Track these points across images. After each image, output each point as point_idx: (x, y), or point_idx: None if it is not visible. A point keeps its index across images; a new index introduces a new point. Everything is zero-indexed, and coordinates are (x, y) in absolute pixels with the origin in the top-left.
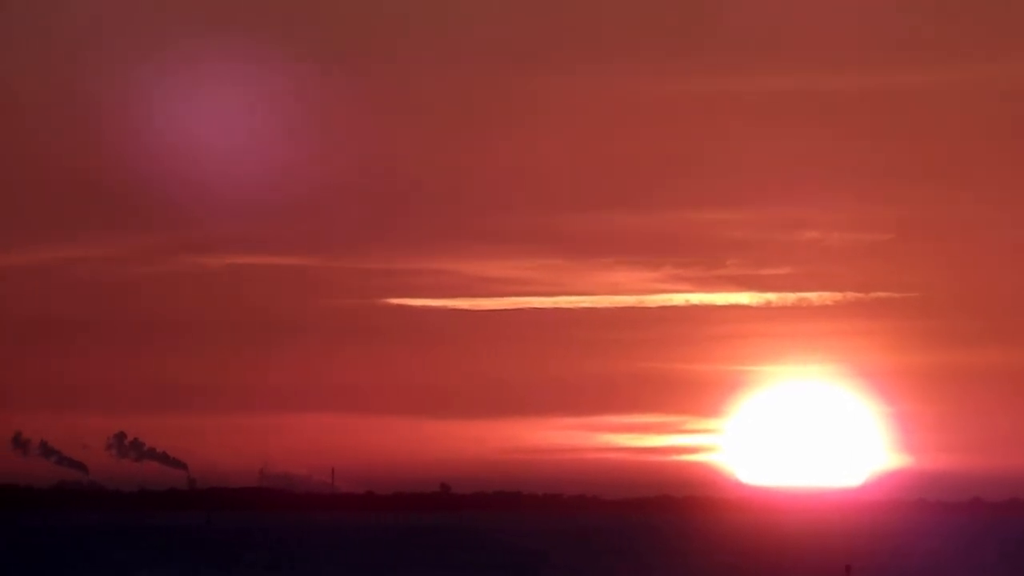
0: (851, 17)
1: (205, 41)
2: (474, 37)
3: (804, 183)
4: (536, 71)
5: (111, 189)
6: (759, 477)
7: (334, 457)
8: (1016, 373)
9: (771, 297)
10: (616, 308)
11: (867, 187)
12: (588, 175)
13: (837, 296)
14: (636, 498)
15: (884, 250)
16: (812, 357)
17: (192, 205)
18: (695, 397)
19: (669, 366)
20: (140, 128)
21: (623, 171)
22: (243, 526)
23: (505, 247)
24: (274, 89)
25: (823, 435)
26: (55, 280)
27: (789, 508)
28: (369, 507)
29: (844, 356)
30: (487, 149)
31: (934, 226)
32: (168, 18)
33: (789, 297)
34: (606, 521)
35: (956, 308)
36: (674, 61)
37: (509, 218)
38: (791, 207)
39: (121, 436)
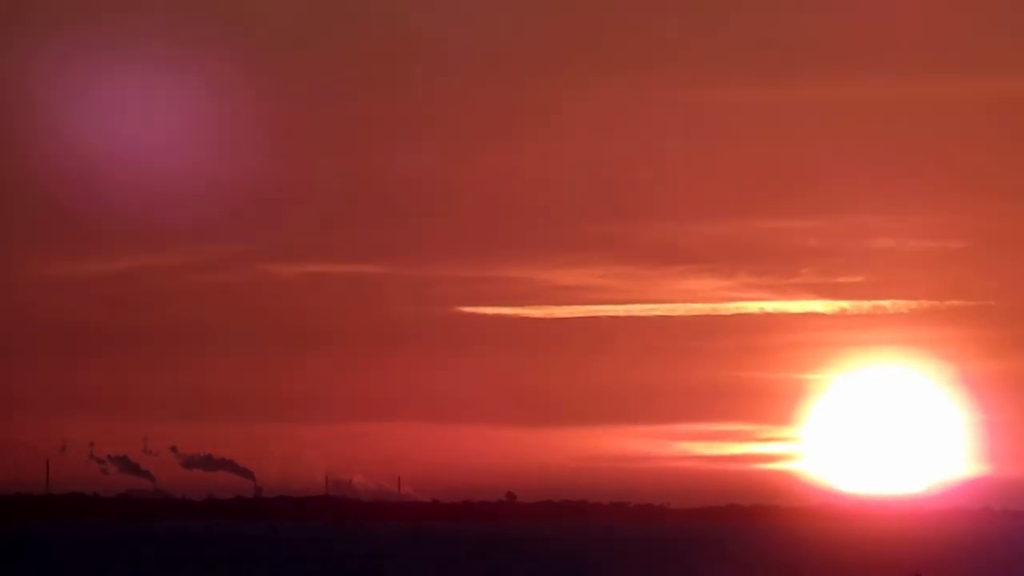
0: (926, 25)
1: (274, 56)
2: (550, 47)
3: (878, 191)
4: (610, 80)
5: (188, 199)
6: (834, 485)
7: (401, 465)
8: None
9: (846, 305)
10: (690, 316)
11: (941, 195)
12: (662, 184)
13: (912, 304)
14: (704, 507)
15: (959, 258)
16: (887, 365)
17: (267, 215)
18: (769, 405)
19: (743, 374)
20: (217, 138)
21: (697, 180)
22: (309, 535)
23: (578, 255)
24: (346, 103)
25: (898, 443)
26: (133, 288)
27: (862, 515)
28: (435, 515)
29: (919, 364)
30: (561, 158)
31: (1009, 233)
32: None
33: (864, 305)
34: (672, 530)
35: None
36: (747, 71)
37: (582, 226)
38: (865, 215)
39: (188, 444)
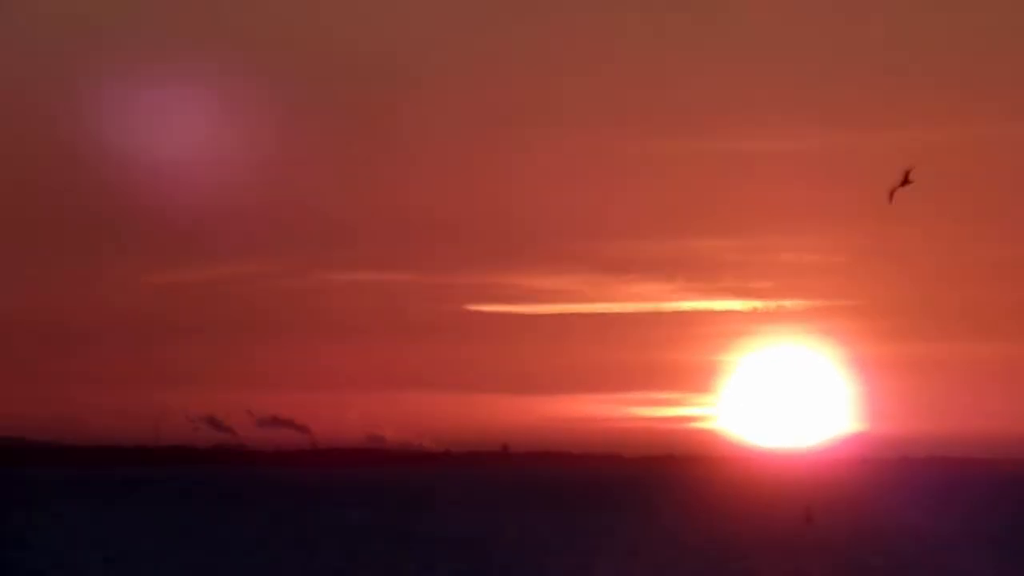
0: (813, 89)
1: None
2: (554, 105)
3: (781, 218)
4: (581, 133)
5: (265, 223)
6: (745, 440)
7: (422, 425)
8: (939, 359)
9: (758, 304)
10: (639, 313)
11: (829, 221)
12: (620, 213)
13: (808, 303)
14: (649, 456)
15: (843, 268)
16: (789, 348)
17: (323, 235)
18: (698, 379)
19: (679, 356)
20: (290, 177)
21: (646, 210)
22: (352, 479)
23: (557, 266)
24: (394, 151)
25: (795, 408)
26: (221, 291)
27: (768, 464)
28: (447, 463)
29: (813, 347)
30: (545, 193)
31: (880, 249)
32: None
33: (771, 304)
34: (626, 473)
35: (895, 311)
36: (683, 126)
37: (561, 245)
38: (773, 236)
39: (261, 408)
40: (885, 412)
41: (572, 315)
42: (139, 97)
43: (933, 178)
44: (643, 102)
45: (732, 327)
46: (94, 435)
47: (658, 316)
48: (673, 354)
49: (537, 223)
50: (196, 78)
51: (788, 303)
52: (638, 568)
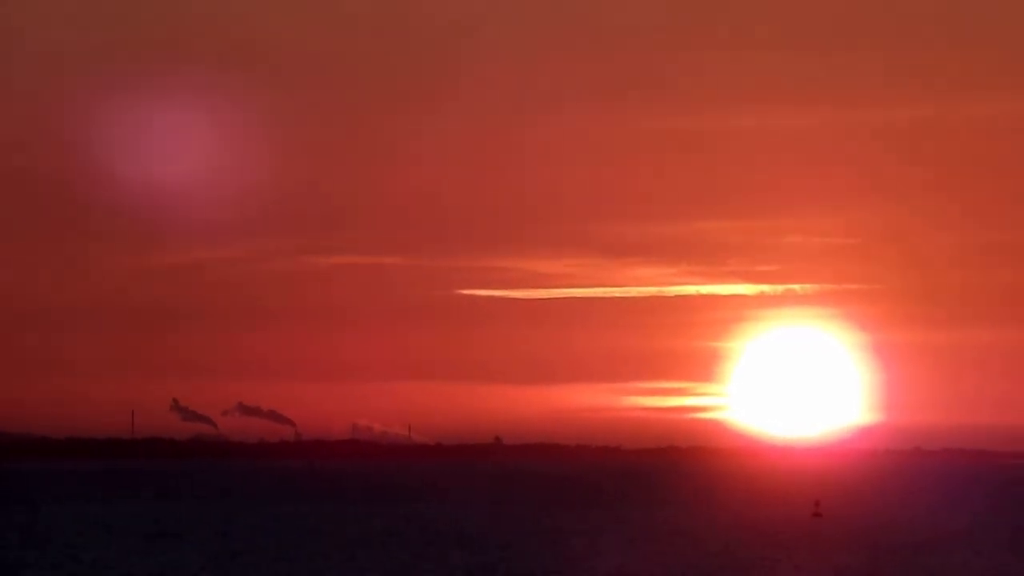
0: (821, 71)
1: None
2: (551, 87)
3: (790, 199)
4: (574, 114)
5: (247, 205)
6: (752, 431)
7: (411, 415)
8: (954, 347)
9: (764, 288)
10: (641, 297)
11: (839, 202)
12: (620, 193)
13: (816, 287)
14: (649, 448)
15: (853, 251)
16: (797, 335)
17: (309, 217)
18: (703, 367)
19: (683, 343)
20: (272, 161)
21: (648, 191)
22: (338, 470)
23: (554, 249)
24: (380, 136)
25: (804, 397)
26: (197, 276)
27: (776, 457)
28: (438, 455)
29: (822, 333)
30: (541, 172)
31: (892, 233)
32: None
33: (778, 288)
34: (626, 465)
35: (908, 296)
36: (685, 105)
37: (558, 227)
38: (780, 218)
39: (243, 398)
40: (898, 402)
41: (570, 300)
42: (126, 83)
43: (949, 157)
44: (645, 80)
45: (738, 312)
46: (67, 426)
47: (660, 301)
48: (676, 341)
49: (533, 203)
50: (188, 64)
51: (797, 287)
52: (638, 563)
